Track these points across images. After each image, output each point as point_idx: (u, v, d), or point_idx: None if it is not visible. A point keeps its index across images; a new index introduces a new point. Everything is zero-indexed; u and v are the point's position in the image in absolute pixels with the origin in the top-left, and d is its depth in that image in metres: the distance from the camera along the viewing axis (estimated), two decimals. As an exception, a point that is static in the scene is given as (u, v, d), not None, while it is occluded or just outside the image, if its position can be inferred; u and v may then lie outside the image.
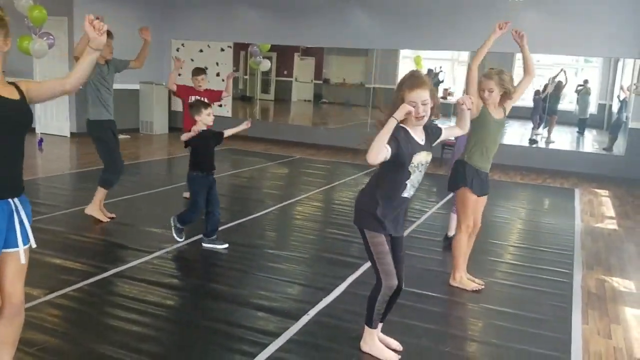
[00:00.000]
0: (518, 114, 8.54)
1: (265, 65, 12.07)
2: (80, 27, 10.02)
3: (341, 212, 5.97)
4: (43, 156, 8.63)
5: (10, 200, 2.21)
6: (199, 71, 6.00)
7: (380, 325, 3.01)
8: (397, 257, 2.84)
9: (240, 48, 11.97)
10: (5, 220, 2.19)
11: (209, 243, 4.55)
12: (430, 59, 11.69)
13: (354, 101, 13.26)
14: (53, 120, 10.69)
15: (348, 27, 10.44)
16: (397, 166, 2.66)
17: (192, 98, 5.68)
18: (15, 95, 2.19)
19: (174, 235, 4.60)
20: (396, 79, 10.77)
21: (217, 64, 11.48)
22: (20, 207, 2.25)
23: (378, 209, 2.74)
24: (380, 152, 2.53)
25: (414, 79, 2.67)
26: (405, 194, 2.75)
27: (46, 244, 4.25)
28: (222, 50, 11.60)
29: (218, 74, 11.15)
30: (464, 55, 10.83)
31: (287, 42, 11.28)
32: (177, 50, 11.91)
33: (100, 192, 5.12)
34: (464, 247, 3.96)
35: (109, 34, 4.67)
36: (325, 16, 10.57)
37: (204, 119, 4.47)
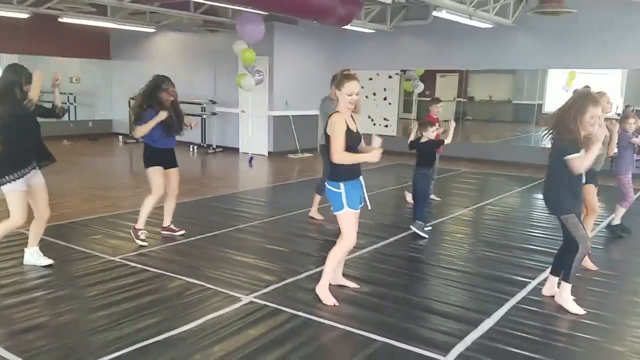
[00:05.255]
0: None
1: (420, 88, 13.35)
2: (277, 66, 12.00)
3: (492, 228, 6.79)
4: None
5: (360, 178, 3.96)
6: (436, 101, 7.60)
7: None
8: None
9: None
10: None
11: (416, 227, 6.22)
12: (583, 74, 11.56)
13: (499, 117, 14.40)
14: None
15: (505, 50, 11.67)
16: None
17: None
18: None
19: (421, 233, 6.13)
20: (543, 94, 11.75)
21: (384, 89, 13.70)
22: (362, 182, 4.02)
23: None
24: None
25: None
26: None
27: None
28: (390, 77, 13.71)
29: (385, 98, 13.39)
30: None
31: (444, 66, 12.80)
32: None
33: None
34: None
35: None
36: (481, 41, 11.84)
37: (429, 135, 6.20)
